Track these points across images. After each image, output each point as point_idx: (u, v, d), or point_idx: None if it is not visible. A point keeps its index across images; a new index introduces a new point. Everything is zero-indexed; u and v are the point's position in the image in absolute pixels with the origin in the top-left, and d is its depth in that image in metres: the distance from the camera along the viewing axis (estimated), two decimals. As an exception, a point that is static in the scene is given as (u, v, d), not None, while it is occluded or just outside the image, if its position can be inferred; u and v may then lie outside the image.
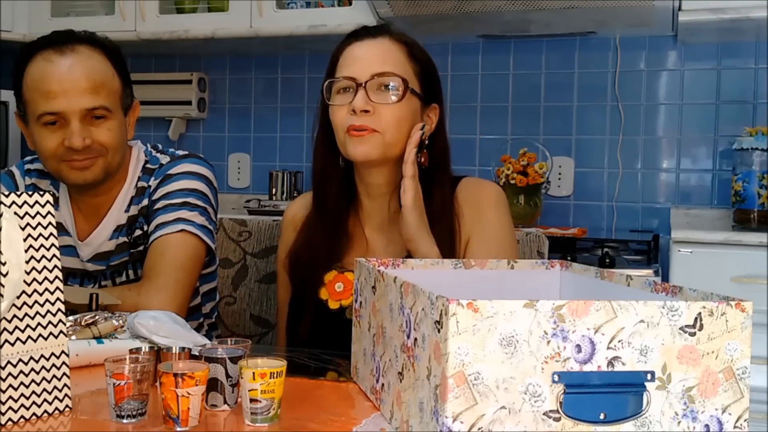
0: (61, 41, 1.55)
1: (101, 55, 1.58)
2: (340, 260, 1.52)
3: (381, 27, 1.52)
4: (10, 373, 0.96)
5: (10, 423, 0.96)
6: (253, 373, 0.95)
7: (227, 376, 1.01)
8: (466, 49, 3.25)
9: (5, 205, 0.97)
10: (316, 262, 1.49)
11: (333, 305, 1.48)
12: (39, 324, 0.99)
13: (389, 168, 1.47)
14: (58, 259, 1.02)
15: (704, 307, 0.84)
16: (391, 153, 1.44)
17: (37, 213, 1.00)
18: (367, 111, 1.40)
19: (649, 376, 0.83)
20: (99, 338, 1.25)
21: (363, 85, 1.41)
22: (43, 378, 0.99)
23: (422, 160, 1.44)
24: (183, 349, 1.10)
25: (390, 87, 1.42)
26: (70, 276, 1.66)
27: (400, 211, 1.41)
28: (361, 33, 1.49)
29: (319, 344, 1.41)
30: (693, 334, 0.84)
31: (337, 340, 1.32)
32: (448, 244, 1.45)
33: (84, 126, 1.53)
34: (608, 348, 0.82)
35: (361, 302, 1.18)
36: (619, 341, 0.82)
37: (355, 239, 1.54)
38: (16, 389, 0.96)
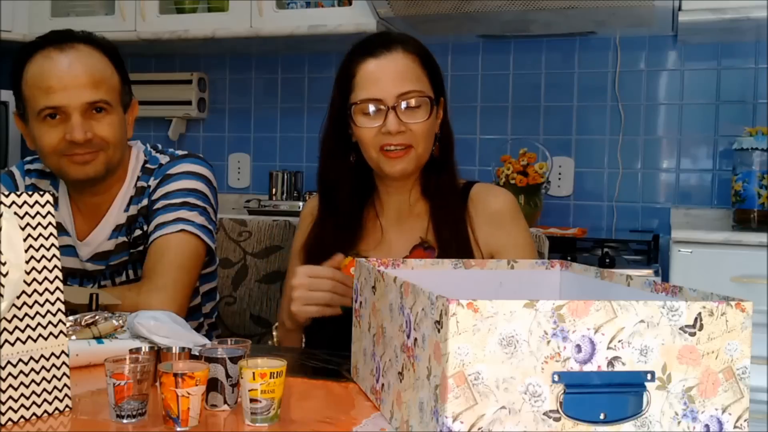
0: (60, 40, 1.56)
1: (99, 53, 1.59)
2: (355, 248, 1.57)
3: (390, 38, 1.54)
4: (10, 373, 0.96)
5: (10, 423, 0.96)
6: (253, 373, 0.95)
7: (227, 376, 1.01)
8: (466, 49, 3.25)
9: (5, 205, 0.97)
10: (332, 252, 1.53)
11: None
12: (39, 324, 0.99)
13: (414, 172, 1.55)
14: (58, 259, 1.02)
15: (704, 307, 0.84)
16: (422, 162, 1.54)
17: (37, 213, 1.00)
18: (401, 132, 1.48)
19: (649, 376, 0.83)
20: (99, 338, 1.25)
21: (393, 108, 1.47)
22: (43, 378, 0.99)
23: (435, 152, 1.56)
24: (183, 349, 1.10)
25: (416, 106, 1.48)
26: (69, 276, 1.66)
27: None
28: (374, 47, 1.52)
29: (332, 326, 1.44)
30: (693, 334, 0.84)
31: (350, 323, 1.33)
32: (456, 230, 1.52)
33: (85, 120, 1.54)
34: (608, 348, 0.82)
35: (361, 302, 1.18)
36: (619, 341, 0.82)
37: (370, 229, 1.59)
38: (16, 389, 0.96)
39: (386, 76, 1.48)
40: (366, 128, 1.49)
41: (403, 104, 1.47)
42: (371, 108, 1.49)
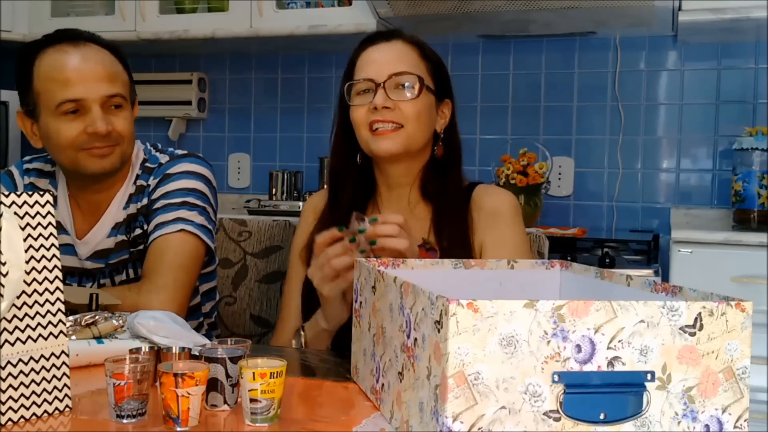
0: (71, 37, 1.58)
1: (108, 52, 1.61)
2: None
3: (394, 31, 1.60)
4: (10, 373, 0.96)
5: (10, 423, 0.96)
6: (253, 373, 0.95)
7: (227, 376, 1.01)
8: (466, 49, 3.25)
9: (5, 205, 0.97)
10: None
11: None
12: (39, 324, 0.99)
13: (409, 160, 1.55)
14: (58, 259, 1.02)
15: (704, 307, 0.84)
16: (412, 146, 1.52)
17: (37, 213, 1.01)
18: (387, 107, 1.48)
19: (649, 376, 0.83)
20: (99, 338, 1.25)
21: (382, 84, 1.49)
22: (43, 378, 0.99)
23: (437, 152, 1.57)
24: (183, 349, 1.10)
25: (407, 85, 1.50)
26: (67, 275, 1.65)
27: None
28: (376, 37, 1.57)
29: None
30: (693, 334, 0.84)
31: (350, 323, 1.33)
32: (458, 234, 1.52)
33: (104, 113, 1.54)
34: (608, 348, 0.82)
35: (361, 302, 1.18)
36: (619, 341, 0.82)
37: None
38: (16, 389, 0.96)
39: (382, 59, 1.52)
40: (357, 106, 1.52)
41: (393, 83, 1.49)
42: (364, 87, 1.52)
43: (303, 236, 1.64)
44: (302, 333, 1.49)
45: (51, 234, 1.01)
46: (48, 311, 1.00)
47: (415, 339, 0.89)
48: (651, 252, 2.71)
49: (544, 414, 0.81)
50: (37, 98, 1.56)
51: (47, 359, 1.00)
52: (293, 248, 1.67)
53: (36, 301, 0.99)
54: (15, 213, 0.98)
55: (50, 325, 1.00)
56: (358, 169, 1.58)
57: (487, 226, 1.55)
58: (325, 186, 1.68)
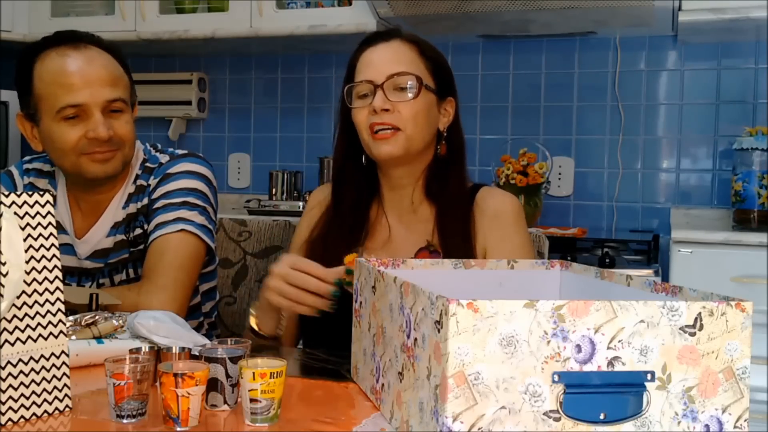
0: (72, 39, 1.57)
1: (108, 54, 1.60)
2: (362, 245, 1.57)
3: (392, 31, 1.59)
4: (10, 373, 0.96)
5: (10, 423, 0.96)
6: (253, 373, 0.95)
7: (227, 376, 1.01)
8: (466, 49, 3.25)
9: (5, 205, 0.97)
10: (337, 247, 1.53)
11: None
12: (39, 324, 0.99)
13: (411, 162, 1.55)
14: (58, 259, 1.02)
15: (704, 307, 0.84)
16: (412, 148, 1.52)
17: (37, 213, 1.01)
18: (386, 110, 1.48)
19: (649, 376, 0.83)
20: (99, 338, 1.25)
21: (380, 86, 1.49)
22: (43, 378, 0.99)
23: (440, 150, 1.56)
24: (183, 349, 1.10)
25: (406, 86, 1.49)
26: (66, 275, 1.65)
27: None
28: (375, 38, 1.57)
29: (334, 324, 1.43)
30: (693, 334, 0.84)
31: (349, 323, 1.33)
32: (461, 238, 1.52)
33: (105, 118, 1.54)
34: (608, 348, 0.82)
35: (361, 302, 1.18)
36: (619, 341, 0.82)
37: (377, 226, 1.60)
38: (16, 389, 0.97)
39: (380, 60, 1.52)
40: (357, 108, 1.52)
41: (392, 84, 1.49)
42: (363, 89, 1.51)
43: (306, 229, 1.64)
44: (252, 312, 1.49)
45: (51, 234, 1.01)
46: (48, 311, 1.00)
47: (415, 339, 0.89)
48: (651, 252, 2.71)
49: (544, 414, 0.81)
50: (38, 102, 1.56)
51: (47, 359, 1.00)
52: (295, 239, 1.66)
53: (36, 301, 0.99)
54: (15, 213, 0.98)
55: (50, 325, 1.01)
56: (361, 170, 1.59)
57: (490, 228, 1.55)
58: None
